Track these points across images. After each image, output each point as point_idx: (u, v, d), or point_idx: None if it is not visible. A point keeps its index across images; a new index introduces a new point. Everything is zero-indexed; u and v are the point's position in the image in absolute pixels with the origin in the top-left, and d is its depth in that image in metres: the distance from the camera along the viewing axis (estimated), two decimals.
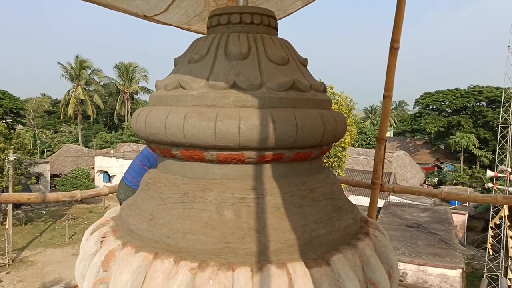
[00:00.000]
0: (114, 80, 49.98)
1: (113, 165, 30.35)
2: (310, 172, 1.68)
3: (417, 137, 46.37)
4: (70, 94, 44.71)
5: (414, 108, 48.71)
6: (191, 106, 1.57)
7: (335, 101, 20.69)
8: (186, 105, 1.58)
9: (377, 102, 66.64)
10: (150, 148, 1.76)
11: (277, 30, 1.88)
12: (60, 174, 32.57)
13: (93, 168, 32.77)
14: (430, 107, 44.22)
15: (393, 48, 2.77)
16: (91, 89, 46.90)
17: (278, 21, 1.93)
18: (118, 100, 49.54)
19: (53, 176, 32.27)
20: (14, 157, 21.56)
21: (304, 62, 1.84)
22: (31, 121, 47.82)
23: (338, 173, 20.39)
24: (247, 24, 1.74)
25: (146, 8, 2.70)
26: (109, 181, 31.34)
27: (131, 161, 3.18)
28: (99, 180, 32.08)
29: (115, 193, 3.25)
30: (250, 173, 1.55)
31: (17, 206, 25.19)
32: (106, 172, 31.70)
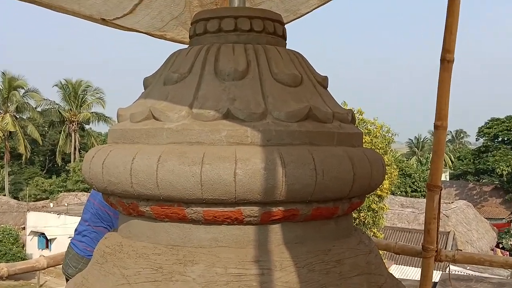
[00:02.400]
0: (57, 104, 50.36)
1: (53, 224, 30.05)
2: (336, 235, 1.68)
3: (483, 180, 46.27)
4: None
5: (477, 140, 48.99)
6: (168, 144, 1.59)
7: (366, 131, 20.80)
8: (161, 143, 1.60)
9: (424, 132, 67.11)
10: (109, 203, 1.76)
11: (285, 39, 1.92)
12: None
13: (24, 228, 32.44)
14: (500, 139, 44.41)
15: (446, 61, 2.82)
16: (24, 117, 47.20)
17: (286, 26, 1.99)
18: (63, 132, 49.71)
19: None
20: None
21: (323, 81, 1.88)
22: None
23: (374, 233, 20.20)
24: (245, 31, 1.79)
25: (104, 9, 2.78)
26: (47, 247, 30.95)
27: (80, 218, 3.18)
28: (32, 245, 31.68)
29: (59, 266, 3.22)
30: (251, 238, 1.55)
31: None
32: (43, 234, 31.36)
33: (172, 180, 1.49)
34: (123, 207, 1.68)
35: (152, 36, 3.20)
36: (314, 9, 3.08)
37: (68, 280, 2.60)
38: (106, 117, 49.85)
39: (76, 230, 3.10)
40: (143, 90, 1.89)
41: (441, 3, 2.81)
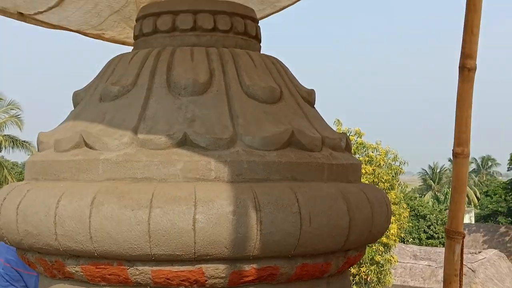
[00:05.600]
0: None
1: None
2: None
3: None
4: None
5: (509, 170, 49.79)
6: (105, 181, 1.56)
7: (367, 158, 21.02)
8: (96, 180, 1.58)
9: (443, 160, 67.94)
10: (26, 261, 1.73)
11: (259, 41, 1.93)
12: None
13: None
14: None
15: (466, 69, 2.84)
16: None
17: (261, 23, 2.00)
18: None
19: None
20: None
21: (309, 96, 1.88)
22: None
23: None
24: (207, 31, 1.78)
25: (21, 0, 2.76)
26: None
27: None
28: None
29: None
30: None
31: None
32: None
33: (110, 230, 1.46)
34: (45, 266, 1.64)
35: (86, 36, 3.19)
36: (297, 1, 3.11)
37: None
38: (24, 142, 49.34)
39: None
40: (72, 109, 1.87)
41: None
